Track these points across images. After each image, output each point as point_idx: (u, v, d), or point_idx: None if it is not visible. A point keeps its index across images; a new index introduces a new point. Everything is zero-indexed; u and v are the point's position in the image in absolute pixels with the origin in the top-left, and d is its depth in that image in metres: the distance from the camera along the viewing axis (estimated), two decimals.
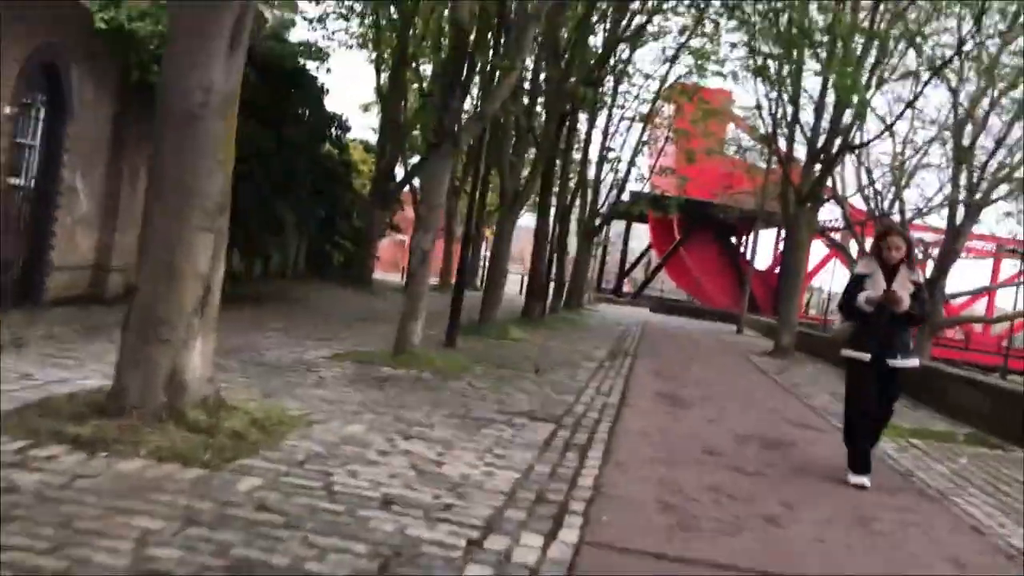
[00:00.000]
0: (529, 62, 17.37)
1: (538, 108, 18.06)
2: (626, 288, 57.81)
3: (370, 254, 24.88)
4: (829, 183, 20.72)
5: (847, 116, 17.88)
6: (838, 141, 18.21)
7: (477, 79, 11.19)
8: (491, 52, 10.71)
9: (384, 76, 25.37)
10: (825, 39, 15.76)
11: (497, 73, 10.20)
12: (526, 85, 16.66)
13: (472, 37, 9.75)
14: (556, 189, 22.44)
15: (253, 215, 15.66)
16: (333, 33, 23.19)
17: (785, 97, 19.30)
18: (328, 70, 18.47)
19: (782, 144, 20.55)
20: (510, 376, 9.62)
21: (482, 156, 12.33)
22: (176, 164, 4.88)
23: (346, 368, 8.57)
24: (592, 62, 18.68)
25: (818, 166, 18.75)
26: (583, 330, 20.00)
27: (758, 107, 21.07)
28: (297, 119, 15.71)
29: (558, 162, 20.81)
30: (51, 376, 6.04)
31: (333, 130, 17.97)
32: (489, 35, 11.21)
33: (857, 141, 19.88)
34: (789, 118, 19.26)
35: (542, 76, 18.01)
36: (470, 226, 12.45)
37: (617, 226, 59.77)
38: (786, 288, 19.43)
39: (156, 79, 7.23)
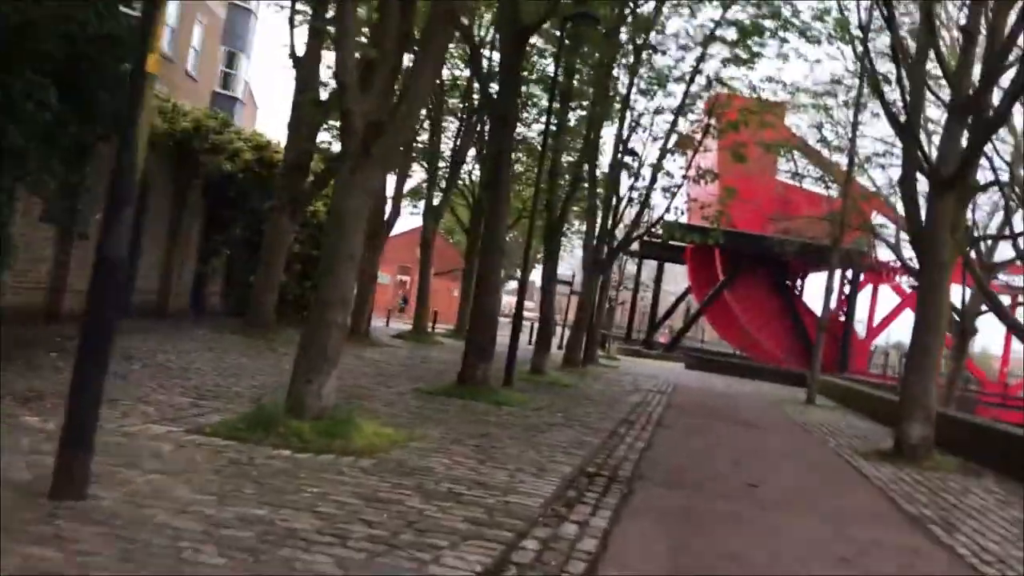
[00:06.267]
0: None
1: None
2: (662, 339, 49.03)
3: (270, 285, 16.91)
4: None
5: None
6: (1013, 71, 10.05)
7: None
8: None
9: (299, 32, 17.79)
10: None
11: None
12: None
13: None
14: (530, 187, 14.40)
15: None
16: None
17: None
18: None
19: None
20: None
21: None
22: None
23: None
24: None
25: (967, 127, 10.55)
26: (560, 410, 11.53)
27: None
28: None
29: (535, 138, 12.77)
30: None
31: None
32: None
33: None
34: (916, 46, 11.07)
35: None
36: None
37: (649, 267, 51.48)
38: (918, 344, 10.90)
39: None
